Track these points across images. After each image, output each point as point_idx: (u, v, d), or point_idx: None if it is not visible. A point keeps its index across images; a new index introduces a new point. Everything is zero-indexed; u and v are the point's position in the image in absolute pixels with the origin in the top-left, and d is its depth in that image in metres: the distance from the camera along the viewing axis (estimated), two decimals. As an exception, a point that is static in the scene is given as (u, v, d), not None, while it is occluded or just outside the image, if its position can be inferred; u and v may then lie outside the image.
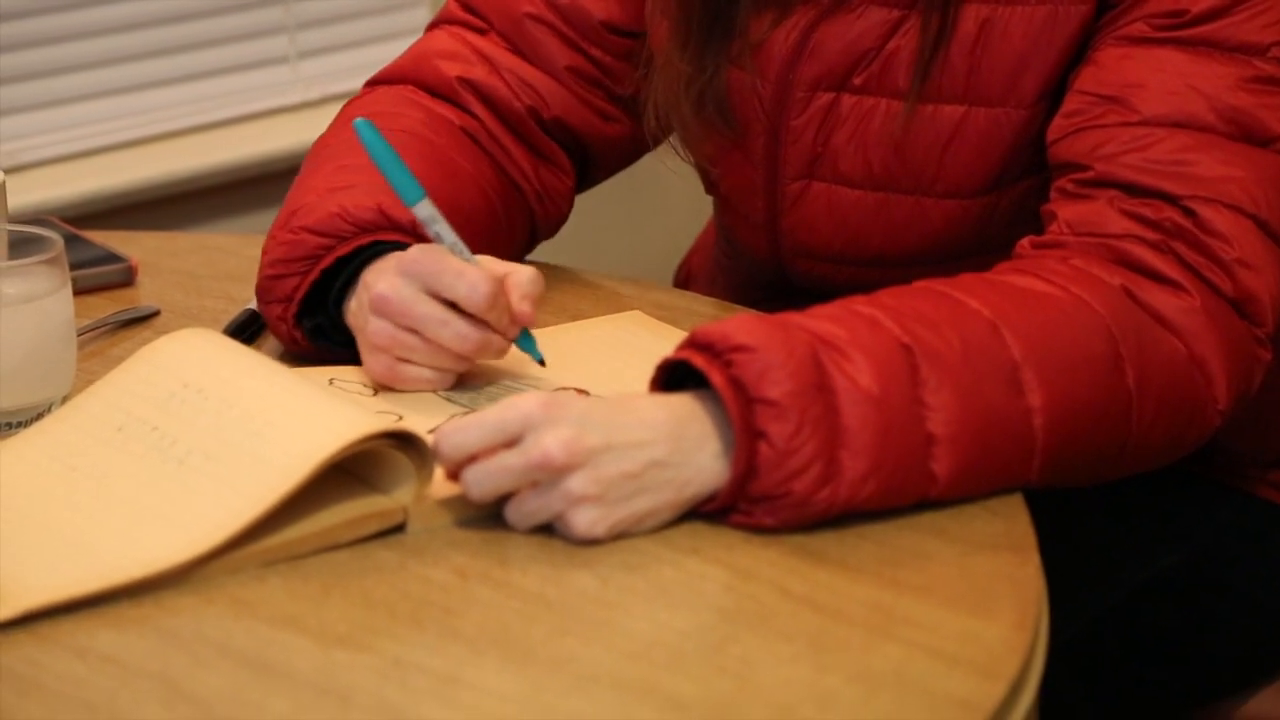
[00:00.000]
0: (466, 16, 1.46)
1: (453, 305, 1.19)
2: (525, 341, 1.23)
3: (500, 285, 1.20)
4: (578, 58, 1.43)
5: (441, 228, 1.23)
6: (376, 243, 1.26)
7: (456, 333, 1.20)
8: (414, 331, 1.20)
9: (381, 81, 1.46)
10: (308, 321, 1.28)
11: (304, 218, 1.28)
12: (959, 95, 1.31)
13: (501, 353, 1.22)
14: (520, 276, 1.21)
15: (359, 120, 1.24)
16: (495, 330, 1.20)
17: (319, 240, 1.26)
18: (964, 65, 1.31)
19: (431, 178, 1.28)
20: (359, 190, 1.28)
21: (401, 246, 1.25)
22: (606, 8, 1.43)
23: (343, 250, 1.26)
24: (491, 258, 1.23)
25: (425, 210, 1.23)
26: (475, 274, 1.19)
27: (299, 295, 1.27)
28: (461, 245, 1.22)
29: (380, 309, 1.20)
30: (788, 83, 1.35)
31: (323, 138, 1.40)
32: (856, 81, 1.34)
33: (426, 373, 1.21)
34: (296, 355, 1.29)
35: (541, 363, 1.23)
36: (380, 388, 1.23)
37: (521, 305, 1.21)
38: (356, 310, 1.24)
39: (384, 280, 1.20)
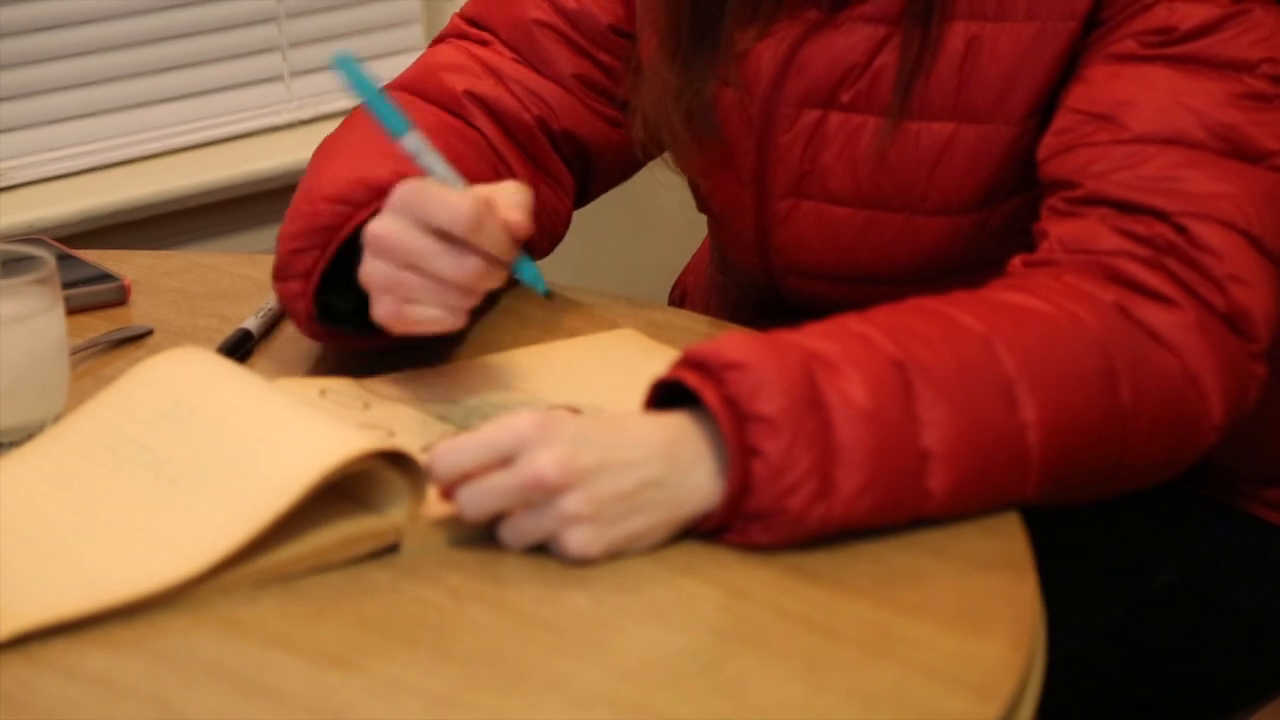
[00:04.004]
0: (470, 30, 1.46)
1: (449, 236, 1.17)
2: (527, 270, 1.19)
3: (486, 205, 1.16)
4: (585, 64, 1.43)
5: (430, 158, 1.20)
6: None
7: (453, 261, 1.16)
8: (413, 268, 1.17)
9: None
10: (333, 301, 1.25)
11: (321, 190, 1.26)
12: (948, 112, 1.31)
13: (501, 279, 1.19)
14: (506, 189, 1.18)
15: (339, 55, 1.20)
16: (494, 255, 1.17)
17: (335, 209, 1.24)
18: (952, 82, 1.31)
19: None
20: (372, 159, 1.26)
21: None
22: (613, 11, 1.44)
23: (361, 217, 1.23)
24: (482, 185, 1.19)
25: (413, 141, 1.20)
26: (456, 197, 1.16)
27: (319, 268, 1.25)
28: (453, 174, 1.19)
29: (375, 248, 1.18)
30: (774, 100, 1.35)
31: (329, 136, 1.39)
32: (844, 98, 1.34)
33: (434, 311, 1.18)
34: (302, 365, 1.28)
35: (547, 294, 1.20)
36: (372, 400, 1.23)
37: (514, 215, 1.17)
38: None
39: (377, 221, 1.18)
